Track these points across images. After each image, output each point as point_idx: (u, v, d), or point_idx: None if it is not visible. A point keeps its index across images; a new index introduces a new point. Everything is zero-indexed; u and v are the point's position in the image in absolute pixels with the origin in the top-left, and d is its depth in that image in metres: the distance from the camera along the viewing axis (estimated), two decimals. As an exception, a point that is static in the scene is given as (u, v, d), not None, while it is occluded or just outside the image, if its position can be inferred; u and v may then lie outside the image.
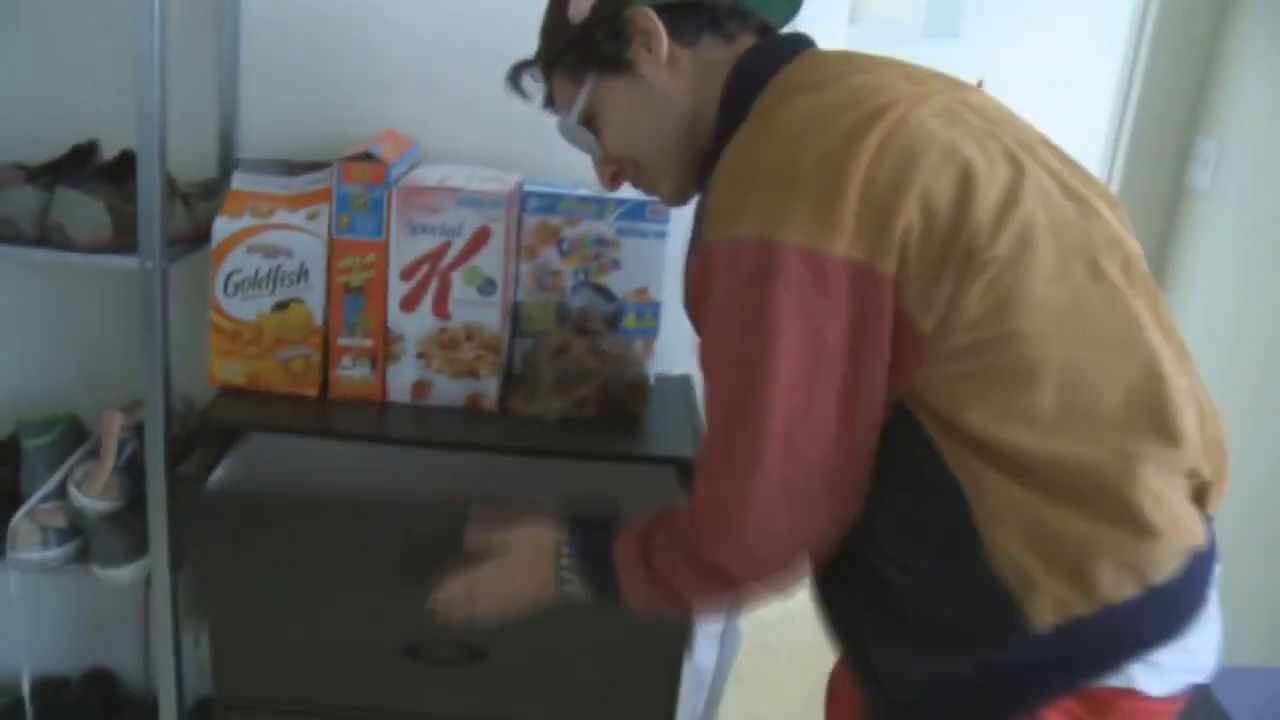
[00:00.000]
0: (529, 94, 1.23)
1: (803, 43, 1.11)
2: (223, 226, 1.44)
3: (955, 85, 1.05)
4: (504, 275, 1.47)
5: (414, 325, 1.47)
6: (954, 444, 0.91)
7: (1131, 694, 0.92)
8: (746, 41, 1.11)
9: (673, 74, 1.10)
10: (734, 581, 1.00)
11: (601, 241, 1.56)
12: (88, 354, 1.74)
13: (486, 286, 1.46)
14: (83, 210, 1.36)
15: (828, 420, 0.92)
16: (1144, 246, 1.01)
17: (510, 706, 1.46)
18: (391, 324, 1.47)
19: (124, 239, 1.39)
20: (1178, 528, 0.91)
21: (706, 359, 0.99)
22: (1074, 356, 0.90)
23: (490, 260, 1.45)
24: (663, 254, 1.57)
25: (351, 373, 1.49)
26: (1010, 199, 0.92)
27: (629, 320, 1.60)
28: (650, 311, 1.61)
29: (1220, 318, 2.39)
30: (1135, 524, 0.89)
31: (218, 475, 1.41)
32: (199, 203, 1.52)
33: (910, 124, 0.93)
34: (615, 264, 1.57)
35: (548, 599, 1.15)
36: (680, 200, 1.19)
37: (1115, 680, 0.91)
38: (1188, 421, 0.93)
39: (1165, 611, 0.92)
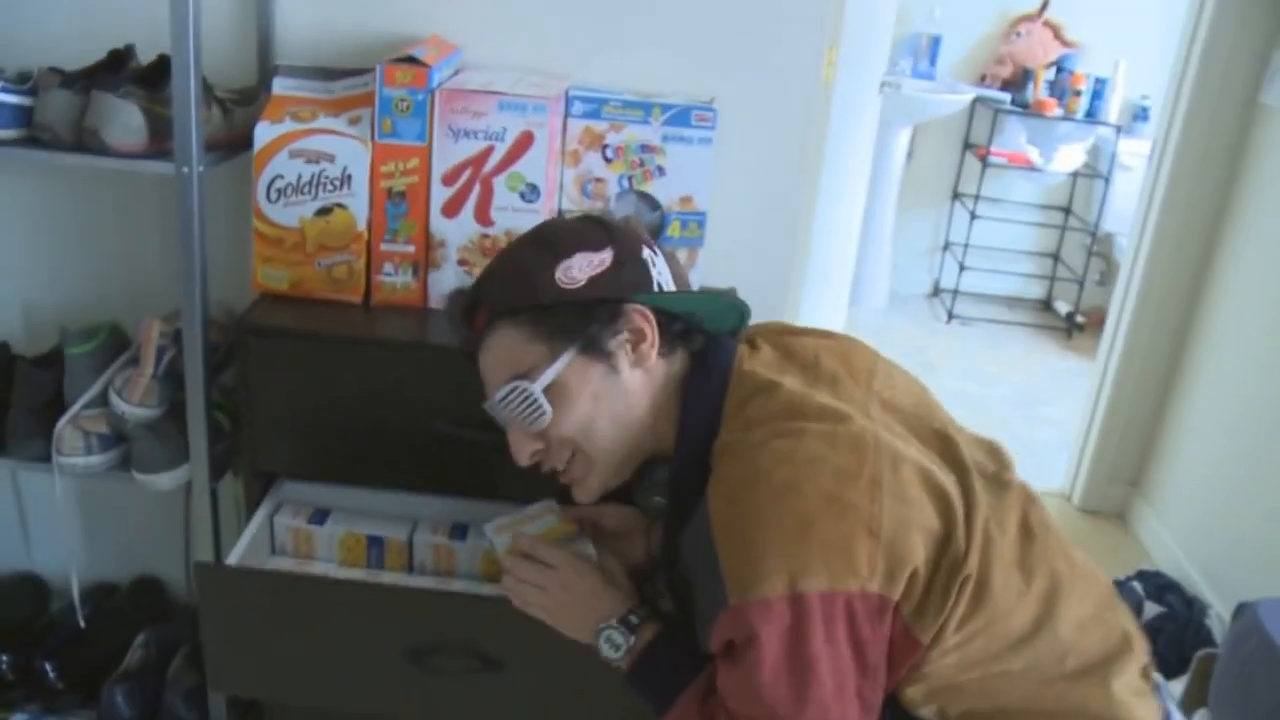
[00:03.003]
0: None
1: (726, 350, 1.13)
2: (264, 131, 1.41)
3: (864, 371, 1.14)
4: (547, 181, 1.43)
5: (456, 231, 1.45)
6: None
7: None
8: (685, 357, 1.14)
9: (643, 378, 1.11)
10: None
11: (646, 148, 1.52)
12: (129, 263, 1.74)
13: (530, 192, 1.43)
14: (117, 113, 1.34)
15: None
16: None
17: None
18: (433, 229, 1.45)
19: (160, 144, 1.37)
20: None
21: (756, 688, 1.00)
22: (1051, 623, 1.05)
23: (533, 166, 1.41)
24: (708, 161, 1.53)
25: (394, 279, 1.46)
26: (970, 504, 1.03)
27: (673, 229, 1.56)
28: (695, 221, 1.57)
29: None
30: None
31: (245, 540, 1.39)
32: (236, 109, 1.49)
33: (882, 448, 1.01)
34: (660, 170, 1.53)
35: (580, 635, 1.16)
36: (593, 499, 1.17)
37: None
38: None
39: None
